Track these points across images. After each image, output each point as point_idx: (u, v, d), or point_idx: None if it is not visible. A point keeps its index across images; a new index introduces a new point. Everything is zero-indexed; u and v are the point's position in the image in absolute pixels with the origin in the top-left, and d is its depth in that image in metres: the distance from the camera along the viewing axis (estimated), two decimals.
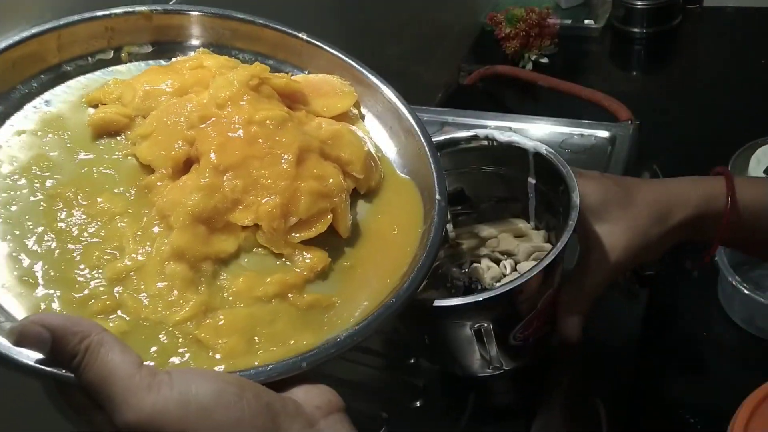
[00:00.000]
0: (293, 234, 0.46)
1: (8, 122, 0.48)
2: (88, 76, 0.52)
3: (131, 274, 0.42)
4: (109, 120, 0.48)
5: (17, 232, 0.43)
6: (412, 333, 0.60)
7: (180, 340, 0.41)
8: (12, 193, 0.45)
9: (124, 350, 0.36)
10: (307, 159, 0.47)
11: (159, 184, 0.46)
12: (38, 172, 0.46)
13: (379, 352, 0.66)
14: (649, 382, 0.75)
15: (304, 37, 0.57)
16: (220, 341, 0.41)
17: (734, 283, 0.73)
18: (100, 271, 0.42)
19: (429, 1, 1.18)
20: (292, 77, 0.53)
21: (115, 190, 0.46)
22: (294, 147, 0.46)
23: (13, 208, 0.44)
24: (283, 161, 0.46)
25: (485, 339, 0.52)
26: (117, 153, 0.48)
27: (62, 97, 0.50)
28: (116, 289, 0.42)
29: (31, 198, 0.44)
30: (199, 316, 0.42)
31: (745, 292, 0.72)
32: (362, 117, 0.56)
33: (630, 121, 0.87)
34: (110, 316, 0.41)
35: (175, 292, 0.42)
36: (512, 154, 0.59)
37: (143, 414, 0.34)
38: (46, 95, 0.50)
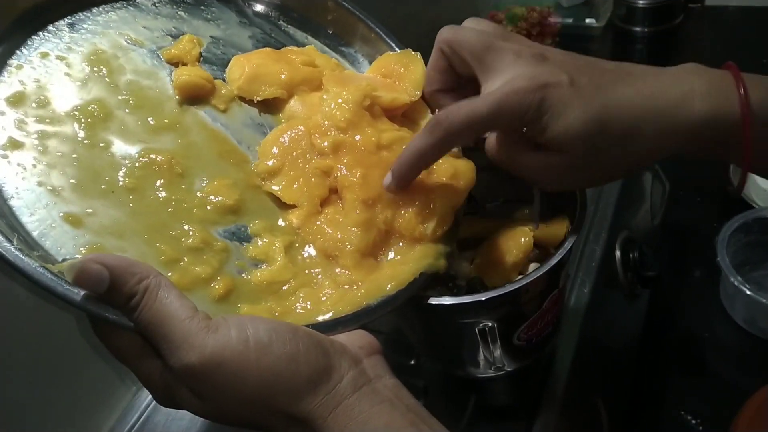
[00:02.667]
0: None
1: (29, 41, 0.45)
2: (113, 4, 0.50)
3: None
4: (195, 84, 0.48)
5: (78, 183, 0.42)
6: (415, 332, 0.59)
7: None
8: (54, 128, 0.43)
9: (181, 295, 0.37)
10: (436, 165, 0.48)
11: (297, 220, 0.47)
12: (90, 121, 0.44)
13: None
14: (650, 382, 0.75)
15: None
16: None
17: (736, 283, 0.73)
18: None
19: None
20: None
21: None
22: None
23: (55, 144, 0.42)
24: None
25: (489, 339, 0.51)
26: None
27: (90, 26, 0.48)
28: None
29: (85, 147, 0.43)
30: None
31: (747, 292, 0.72)
32: None
33: None
34: None
35: None
36: None
37: (206, 352, 0.35)
38: (68, 18, 0.48)
